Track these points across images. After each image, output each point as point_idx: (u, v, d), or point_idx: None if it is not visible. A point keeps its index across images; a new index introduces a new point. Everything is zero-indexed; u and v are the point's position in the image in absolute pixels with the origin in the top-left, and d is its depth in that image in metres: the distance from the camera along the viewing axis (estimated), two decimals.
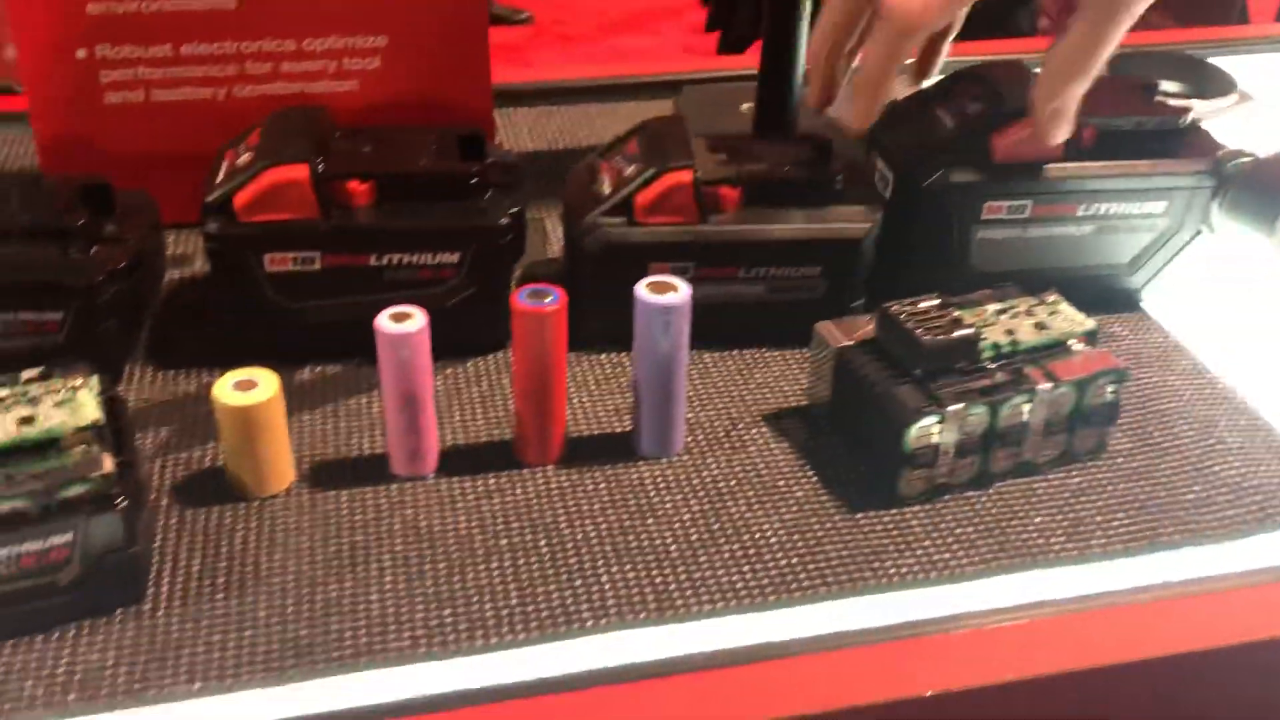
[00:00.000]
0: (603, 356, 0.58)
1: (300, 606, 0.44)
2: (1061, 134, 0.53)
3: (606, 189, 0.57)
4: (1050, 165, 0.58)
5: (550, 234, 0.68)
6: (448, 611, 0.44)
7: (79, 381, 0.45)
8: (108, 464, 0.42)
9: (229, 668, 0.42)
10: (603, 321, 0.58)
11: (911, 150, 0.59)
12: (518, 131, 0.80)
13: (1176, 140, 0.59)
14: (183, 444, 0.52)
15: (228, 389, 0.47)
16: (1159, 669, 0.44)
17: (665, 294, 0.48)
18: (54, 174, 0.57)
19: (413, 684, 0.41)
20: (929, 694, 0.42)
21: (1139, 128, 0.58)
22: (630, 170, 0.57)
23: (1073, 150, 0.58)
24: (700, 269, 0.56)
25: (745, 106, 0.78)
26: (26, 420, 0.43)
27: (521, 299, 0.48)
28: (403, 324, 0.47)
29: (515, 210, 0.55)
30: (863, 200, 0.58)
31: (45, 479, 0.41)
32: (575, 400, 0.55)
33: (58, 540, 0.42)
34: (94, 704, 0.40)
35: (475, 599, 0.45)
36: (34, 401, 0.44)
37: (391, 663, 0.42)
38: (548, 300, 0.48)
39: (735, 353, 0.58)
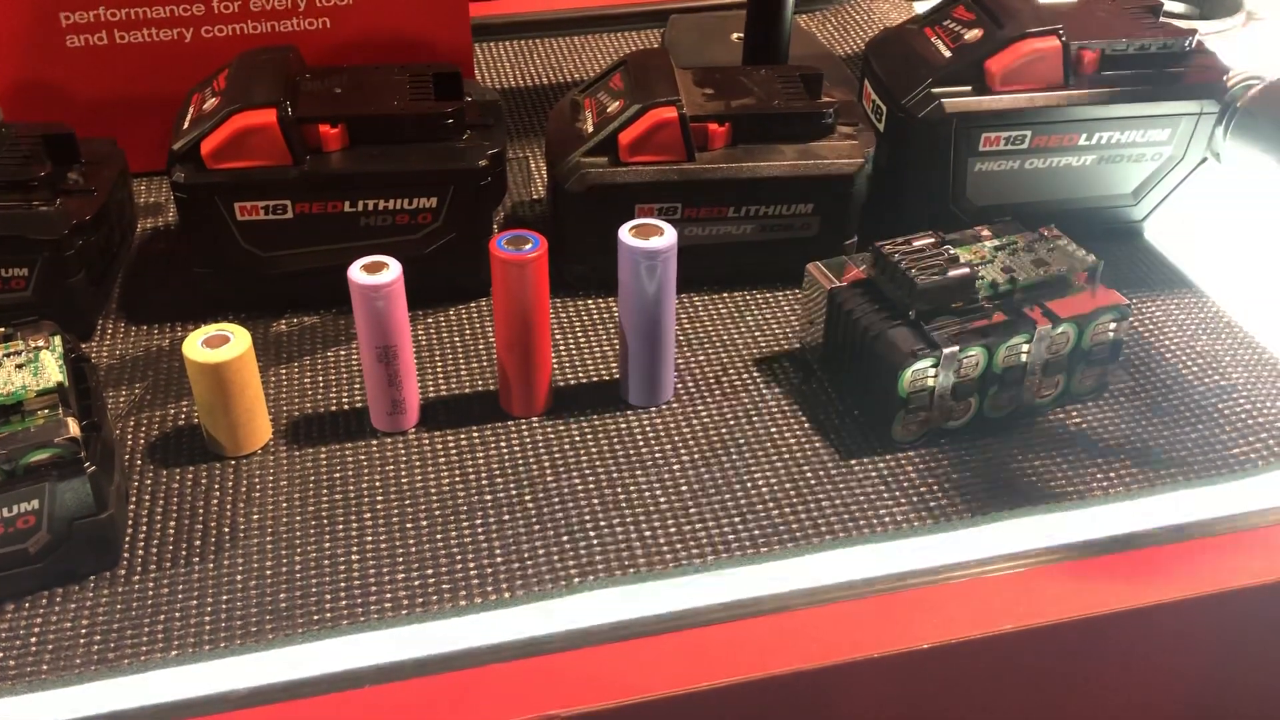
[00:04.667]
0: (589, 301, 0.56)
1: (279, 569, 0.43)
2: None
3: (589, 127, 0.55)
4: (1050, 93, 0.55)
5: (535, 173, 0.66)
6: (430, 572, 0.43)
7: (41, 342, 0.43)
8: (73, 428, 0.41)
9: (206, 634, 0.41)
10: (588, 265, 0.56)
11: (905, 79, 0.57)
12: (499, 66, 0.77)
13: (1181, 64, 0.57)
14: (157, 401, 0.50)
15: (197, 346, 0.45)
16: (1165, 615, 0.42)
17: (650, 238, 0.46)
18: (14, 123, 0.55)
19: (396, 648, 0.40)
20: (925, 646, 0.40)
21: (1142, 51, 0.56)
22: (613, 107, 0.55)
23: (1073, 76, 0.55)
24: (687, 209, 0.54)
25: (735, 36, 0.75)
26: None
27: (500, 246, 0.46)
28: (376, 274, 0.45)
29: (495, 151, 0.53)
30: (855, 134, 0.56)
31: (8, 445, 0.40)
32: (561, 348, 0.53)
33: (24, 507, 0.40)
34: (67, 674, 0.39)
35: (459, 558, 0.43)
36: None
37: (373, 626, 0.41)
38: (527, 247, 0.46)
39: (725, 295, 0.56)
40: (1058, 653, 0.43)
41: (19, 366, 0.42)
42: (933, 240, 0.49)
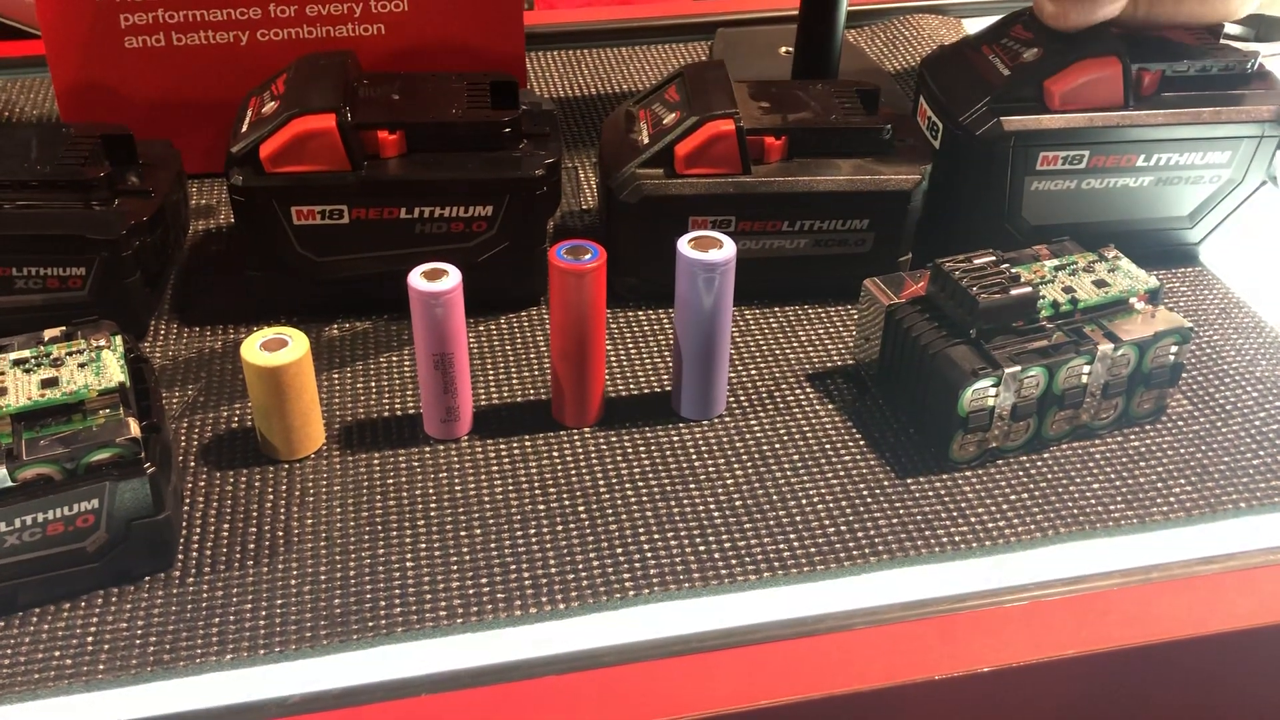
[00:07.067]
0: (640, 313, 0.56)
1: (333, 574, 0.43)
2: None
3: (644, 138, 0.55)
4: (1109, 113, 0.55)
5: (584, 183, 0.65)
6: (484, 580, 0.43)
7: (103, 342, 0.43)
8: (134, 428, 0.41)
9: (260, 638, 0.41)
10: (640, 277, 0.56)
11: (962, 97, 0.56)
12: (548, 76, 0.77)
13: (1242, 86, 0.56)
14: (210, 403, 0.50)
15: (255, 349, 0.45)
16: (1225, 644, 0.42)
17: (709, 250, 0.46)
18: (74, 123, 0.55)
19: (451, 656, 0.40)
20: (986, 670, 0.40)
21: (1203, 72, 0.56)
22: (670, 118, 0.55)
23: (1133, 97, 0.55)
24: (742, 222, 0.54)
25: (784, 50, 0.75)
26: (50, 383, 0.41)
27: (560, 255, 0.46)
28: (436, 281, 0.45)
29: (550, 161, 0.53)
30: (912, 150, 0.55)
31: (70, 444, 0.40)
32: (612, 359, 0.53)
33: (84, 506, 0.40)
34: (123, 674, 0.39)
35: (513, 567, 0.43)
36: (57, 363, 0.42)
37: (429, 634, 0.41)
38: (587, 257, 0.45)
39: (778, 309, 0.56)
40: (1119, 679, 0.42)
41: (81, 366, 0.42)
42: (993, 259, 0.49)
